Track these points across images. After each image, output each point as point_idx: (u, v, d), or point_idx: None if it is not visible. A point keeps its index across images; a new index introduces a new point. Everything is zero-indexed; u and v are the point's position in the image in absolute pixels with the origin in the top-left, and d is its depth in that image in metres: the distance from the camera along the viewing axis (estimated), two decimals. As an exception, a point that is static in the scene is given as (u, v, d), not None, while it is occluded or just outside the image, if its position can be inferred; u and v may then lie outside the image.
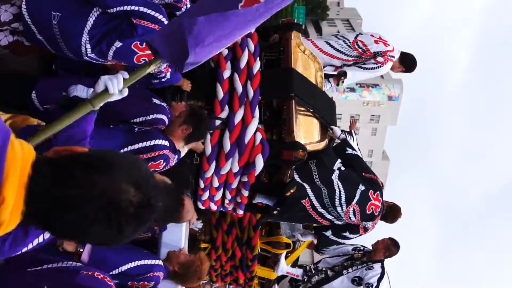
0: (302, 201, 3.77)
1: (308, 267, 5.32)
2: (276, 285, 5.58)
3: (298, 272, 5.22)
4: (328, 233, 4.30)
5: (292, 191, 3.62)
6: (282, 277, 5.51)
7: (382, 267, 4.94)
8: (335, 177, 3.84)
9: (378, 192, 3.96)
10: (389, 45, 4.37)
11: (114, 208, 0.94)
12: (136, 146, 2.85)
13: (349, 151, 4.04)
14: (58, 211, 0.94)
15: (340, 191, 3.81)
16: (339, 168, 3.92)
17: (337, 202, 3.82)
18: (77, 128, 1.99)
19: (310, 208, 3.80)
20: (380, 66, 4.32)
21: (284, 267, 5.05)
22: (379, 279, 4.92)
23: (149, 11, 2.78)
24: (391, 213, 4.19)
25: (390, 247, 4.80)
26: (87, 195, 0.93)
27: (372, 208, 3.91)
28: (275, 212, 3.94)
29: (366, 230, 4.16)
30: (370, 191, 3.92)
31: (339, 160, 3.98)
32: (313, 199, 3.79)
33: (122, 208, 0.94)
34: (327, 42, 4.26)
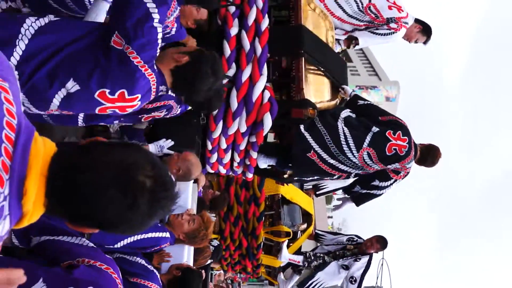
0: (307, 154, 3.54)
1: (308, 254, 5.86)
2: (282, 273, 5.93)
3: (299, 258, 5.71)
4: (357, 189, 3.98)
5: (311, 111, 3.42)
6: (287, 265, 5.86)
7: (369, 260, 5.61)
8: (340, 122, 3.58)
9: (400, 131, 3.59)
10: (403, 11, 4.20)
11: (130, 178, 0.97)
12: None
13: (361, 102, 3.79)
14: (73, 186, 0.97)
15: (345, 135, 3.53)
16: (346, 116, 3.67)
17: (345, 147, 3.54)
18: None
19: (319, 161, 3.56)
20: (394, 33, 4.16)
21: (286, 254, 5.56)
22: (363, 273, 5.58)
23: None
24: (429, 154, 3.80)
25: (379, 243, 5.59)
26: (104, 162, 0.98)
27: (394, 149, 3.55)
28: (285, 176, 3.83)
29: (397, 173, 3.75)
30: (388, 131, 3.58)
31: (348, 110, 3.72)
32: (319, 151, 3.53)
33: (139, 181, 0.97)
34: (339, 5, 4.09)
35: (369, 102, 3.86)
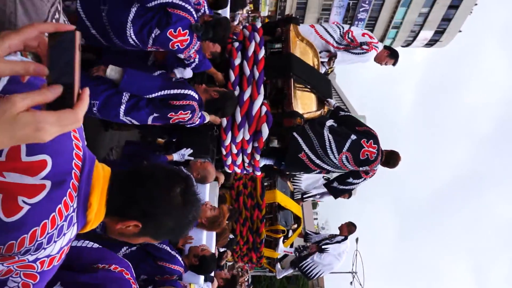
0: (299, 155, 4.16)
1: (298, 246, 7.27)
2: (279, 263, 7.01)
3: (291, 250, 7.08)
4: (335, 184, 4.66)
5: (299, 121, 4.04)
6: (283, 258, 6.93)
7: (345, 238, 6.99)
8: (326, 130, 4.16)
9: (372, 140, 4.20)
10: (373, 38, 4.92)
11: (172, 174, 1.23)
12: (172, 91, 3.23)
13: (342, 113, 4.41)
14: (131, 177, 1.20)
15: (329, 141, 4.10)
16: (330, 125, 4.23)
17: (329, 151, 4.11)
18: None
19: (307, 161, 4.18)
20: (365, 52, 4.80)
21: (282, 247, 6.87)
22: (337, 242, 6.93)
23: (180, 2, 3.12)
24: (392, 158, 4.41)
25: (350, 227, 7.06)
26: (154, 167, 1.25)
27: (366, 154, 4.17)
28: (287, 172, 4.56)
29: (367, 173, 4.39)
30: (363, 139, 4.17)
31: (331, 120, 4.31)
32: (309, 152, 4.13)
33: (177, 178, 1.23)
34: (326, 31, 4.79)
35: (348, 114, 4.48)
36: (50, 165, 1.01)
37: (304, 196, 6.92)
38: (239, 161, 4.38)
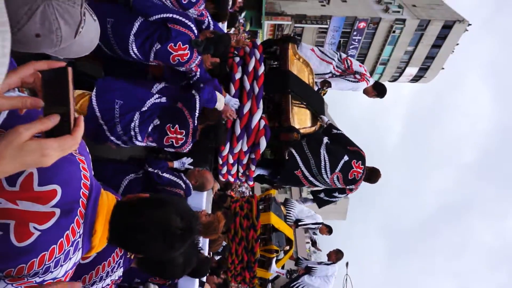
0: (295, 172, 4.19)
1: (290, 269, 7.51)
2: (270, 284, 7.00)
3: (283, 271, 7.19)
4: (322, 195, 4.75)
5: (295, 136, 4.07)
6: (275, 278, 6.91)
7: (333, 263, 7.26)
8: (322, 149, 4.22)
9: (360, 161, 4.31)
10: (367, 72, 5.14)
11: (167, 231, 1.24)
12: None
13: (335, 131, 4.49)
14: (130, 234, 1.24)
15: (325, 161, 4.17)
16: (326, 143, 4.29)
17: (323, 170, 4.18)
18: None
19: (302, 178, 4.22)
20: (358, 82, 4.97)
21: (274, 268, 6.92)
22: (326, 264, 7.19)
23: (181, 18, 3.20)
24: (372, 175, 4.53)
25: (338, 254, 7.40)
26: (148, 223, 1.25)
27: (354, 174, 4.28)
28: (276, 184, 4.56)
29: (351, 190, 4.53)
30: (353, 161, 4.27)
31: (326, 137, 4.37)
32: (304, 170, 4.18)
33: (172, 232, 1.25)
34: (325, 54, 4.93)
35: (341, 132, 4.54)
36: (60, 194, 1.05)
37: (299, 224, 7.19)
38: (233, 170, 4.38)
